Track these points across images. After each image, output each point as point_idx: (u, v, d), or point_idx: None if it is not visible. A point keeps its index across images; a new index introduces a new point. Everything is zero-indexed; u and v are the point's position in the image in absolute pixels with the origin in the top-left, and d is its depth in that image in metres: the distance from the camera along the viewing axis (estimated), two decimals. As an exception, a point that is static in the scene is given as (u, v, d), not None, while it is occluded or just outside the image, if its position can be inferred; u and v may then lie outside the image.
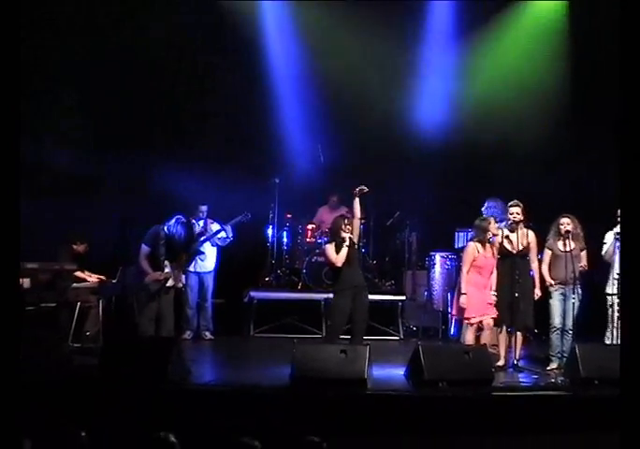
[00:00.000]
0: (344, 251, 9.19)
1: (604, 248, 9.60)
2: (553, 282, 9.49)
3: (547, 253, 9.62)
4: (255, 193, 12.20)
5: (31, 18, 11.16)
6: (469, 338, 9.48)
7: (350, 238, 9.25)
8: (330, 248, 9.31)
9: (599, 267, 9.73)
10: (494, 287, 9.46)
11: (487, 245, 9.51)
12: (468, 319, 9.48)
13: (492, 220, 9.62)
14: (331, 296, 11.05)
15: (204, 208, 11.36)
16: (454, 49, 12.79)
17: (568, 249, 9.40)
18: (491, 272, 9.50)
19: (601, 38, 11.73)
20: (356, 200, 9.40)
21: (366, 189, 9.37)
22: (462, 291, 9.50)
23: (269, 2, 12.88)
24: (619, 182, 6.02)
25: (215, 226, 11.48)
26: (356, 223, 9.45)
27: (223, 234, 11.46)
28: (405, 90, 12.81)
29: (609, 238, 9.55)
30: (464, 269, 9.52)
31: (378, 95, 12.62)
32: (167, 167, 11.95)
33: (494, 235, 9.53)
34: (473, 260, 9.45)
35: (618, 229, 9.35)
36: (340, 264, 9.20)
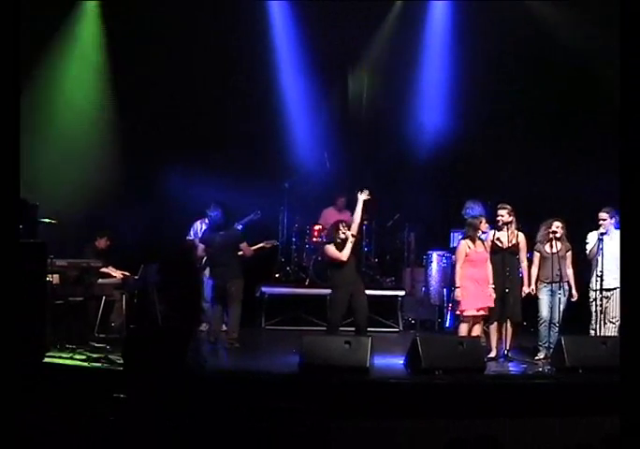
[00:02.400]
0: (349, 247, 9.28)
1: (588, 247, 9.56)
2: (537, 287, 9.47)
3: (536, 256, 9.60)
4: (267, 196, 12.18)
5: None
6: (463, 330, 9.40)
7: (352, 234, 9.32)
8: (331, 247, 9.39)
9: (585, 265, 9.70)
10: (492, 281, 9.39)
11: (479, 241, 9.47)
12: (462, 312, 9.43)
13: (483, 219, 9.60)
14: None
15: (215, 212, 11.28)
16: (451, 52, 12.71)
17: (554, 250, 9.38)
18: (486, 266, 9.42)
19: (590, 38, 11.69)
20: (360, 206, 9.41)
21: (368, 196, 9.41)
22: (456, 285, 9.46)
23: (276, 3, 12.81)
24: (620, 182, 5.96)
25: None
26: (355, 227, 9.48)
27: None
28: (408, 95, 12.79)
29: (591, 238, 9.53)
30: (457, 265, 9.49)
31: (382, 105, 12.60)
32: (188, 176, 11.97)
33: (483, 232, 9.51)
34: (466, 255, 9.41)
35: (601, 230, 9.37)
36: (345, 259, 9.28)
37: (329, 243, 9.46)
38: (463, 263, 9.40)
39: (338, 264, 9.33)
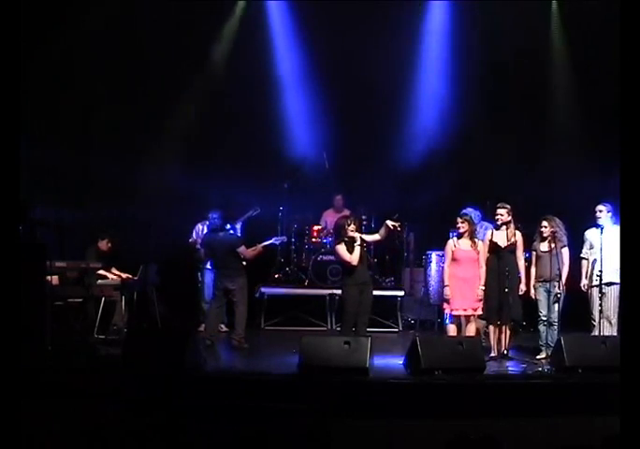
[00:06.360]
0: (357, 250, 9.08)
1: (586, 245, 9.57)
2: (534, 287, 9.48)
3: (534, 254, 9.62)
4: (267, 197, 12.16)
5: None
6: (451, 328, 9.43)
7: (360, 237, 9.20)
8: (342, 248, 9.16)
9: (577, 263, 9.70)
10: (482, 281, 9.34)
11: (466, 240, 9.40)
12: (449, 310, 9.41)
13: (459, 218, 9.46)
14: (335, 291, 11.09)
15: (214, 214, 11.19)
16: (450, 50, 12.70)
17: (547, 249, 9.39)
18: (474, 265, 9.36)
19: (592, 36, 11.69)
20: (384, 228, 9.21)
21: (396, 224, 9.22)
22: (445, 283, 9.46)
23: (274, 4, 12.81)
24: (620, 182, 5.99)
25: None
26: (371, 238, 9.38)
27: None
28: (407, 95, 12.79)
29: (589, 235, 9.54)
30: (445, 264, 9.51)
31: (381, 104, 12.59)
32: (188, 176, 11.99)
33: (458, 228, 9.43)
34: (452, 253, 9.39)
35: (599, 222, 9.37)
36: (355, 263, 9.07)
37: (339, 243, 9.23)
38: (450, 261, 9.41)
39: (355, 265, 9.12)
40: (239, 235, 10.83)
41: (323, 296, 11.90)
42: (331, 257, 11.73)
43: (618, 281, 9.16)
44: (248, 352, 9.99)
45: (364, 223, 12.30)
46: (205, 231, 11.31)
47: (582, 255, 9.63)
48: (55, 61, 11.88)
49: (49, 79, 11.83)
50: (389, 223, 9.11)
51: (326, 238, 12.44)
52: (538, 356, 9.38)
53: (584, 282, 9.55)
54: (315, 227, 12.67)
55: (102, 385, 7.55)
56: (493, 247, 9.42)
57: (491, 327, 9.48)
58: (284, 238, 11.37)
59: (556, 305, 9.34)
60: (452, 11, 12.60)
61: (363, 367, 8.03)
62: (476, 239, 9.47)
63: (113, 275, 10.92)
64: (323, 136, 12.78)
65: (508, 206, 9.45)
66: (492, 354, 9.32)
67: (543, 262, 9.44)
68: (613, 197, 7.82)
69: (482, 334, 9.81)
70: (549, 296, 9.41)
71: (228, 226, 10.69)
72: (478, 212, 10.28)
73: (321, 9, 12.22)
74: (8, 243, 5.77)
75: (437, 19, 12.74)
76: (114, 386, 7.54)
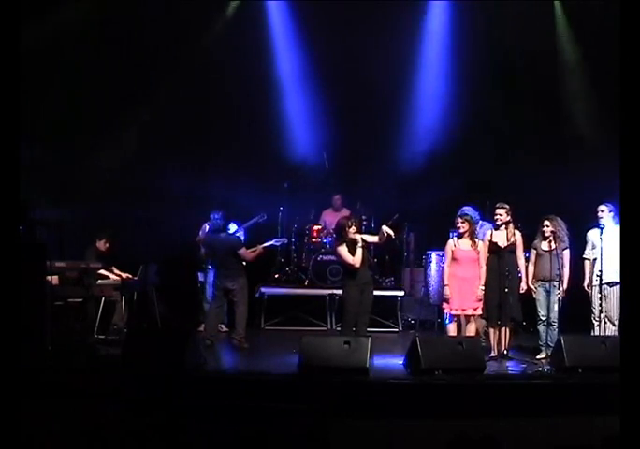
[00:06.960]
0: (360, 252, 9.08)
1: (588, 247, 9.57)
2: (534, 286, 9.47)
3: (533, 252, 9.63)
4: (267, 197, 12.17)
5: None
6: (450, 328, 9.43)
7: (362, 238, 9.19)
8: (343, 250, 9.13)
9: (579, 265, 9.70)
10: (482, 281, 9.34)
11: (466, 240, 9.40)
12: (448, 310, 9.40)
13: (459, 218, 9.48)
14: (335, 291, 11.08)
15: (216, 215, 11.14)
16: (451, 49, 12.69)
17: (548, 248, 9.39)
18: (474, 265, 9.35)
19: (594, 35, 11.70)
20: (384, 228, 9.19)
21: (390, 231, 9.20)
22: (444, 283, 9.47)
23: (274, 3, 12.82)
24: (620, 182, 5.99)
25: (233, 227, 11.37)
26: (371, 239, 9.33)
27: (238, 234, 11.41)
28: (407, 96, 12.80)
29: (591, 235, 9.55)
30: (445, 264, 9.52)
31: (381, 104, 12.60)
32: (188, 177, 11.99)
33: (458, 228, 9.44)
34: (452, 253, 9.39)
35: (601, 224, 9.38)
36: (358, 265, 9.06)
37: (340, 244, 9.19)
38: (450, 261, 9.42)
39: (358, 267, 9.11)
40: (241, 238, 10.82)
41: (323, 297, 11.91)
42: (331, 257, 11.73)
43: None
44: (248, 352, 9.99)
45: (364, 223, 12.33)
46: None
47: (585, 256, 9.64)
48: (54, 60, 11.88)
49: (49, 78, 11.83)
50: (385, 229, 9.12)
51: (326, 238, 12.45)
52: (538, 356, 9.39)
53: (587, 281, 9.56)
54: (315, 227, 12.67)
55: (102, 385, 7.54)
56: (493, 247, 9.43)
57: (491, 327, 9.48)
58: (285, 240, 11.40)
59: (555, 305, 9.35)
60: (452, 11, 12.61)
61: (363, 367, 8.02)
62: (476, 239, 9.47)
63: (113, 275, 10.94)
64: (323, 136, 12.78)
65: (507, 206, 9.47)
66: (492, 354, 9.32)
67: (542, 261, 9.45)
68: (615, 197, 7.81)
69: (482, 334, 9.81)
70: (548, 296, 9.42)
71: (235, 228, 10.70)
72: (477, 213, 10.28)
73: (321, 9, 12.21)
74: (8, 243, 5.78)
75: (437, 19, 12.74)
76: (114, 386, 7.54)
